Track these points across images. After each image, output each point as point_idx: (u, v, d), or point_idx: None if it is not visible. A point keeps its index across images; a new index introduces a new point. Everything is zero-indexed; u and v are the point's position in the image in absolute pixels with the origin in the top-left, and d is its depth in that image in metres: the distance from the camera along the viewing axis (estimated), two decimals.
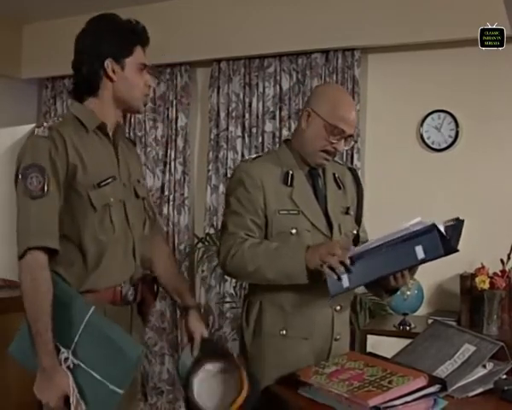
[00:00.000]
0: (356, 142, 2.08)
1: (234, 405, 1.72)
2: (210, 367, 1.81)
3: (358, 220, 2.12)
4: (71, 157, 1.71)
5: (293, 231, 1.93)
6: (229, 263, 1.91)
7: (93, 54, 1.79)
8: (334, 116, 1.93)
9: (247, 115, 3.94)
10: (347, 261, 1.75)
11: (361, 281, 1.84)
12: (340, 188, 2.07)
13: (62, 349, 1.64)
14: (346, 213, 2.06)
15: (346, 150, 3.60)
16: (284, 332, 1.95)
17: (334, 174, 2.08)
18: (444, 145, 3.51)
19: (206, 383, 1.80)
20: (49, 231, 1.66)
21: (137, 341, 1.88)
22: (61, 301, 1.65)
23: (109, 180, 1.79)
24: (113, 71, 1.80)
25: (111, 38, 1.79)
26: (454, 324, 2.83)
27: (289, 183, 1.96)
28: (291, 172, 1.98)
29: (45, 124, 1.74)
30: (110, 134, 1.86)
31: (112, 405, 1.62)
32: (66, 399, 1.61)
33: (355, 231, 2.09)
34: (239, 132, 3.96)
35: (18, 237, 1.65)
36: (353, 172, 2.18)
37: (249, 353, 1.99)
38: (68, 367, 1.63)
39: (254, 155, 2.10)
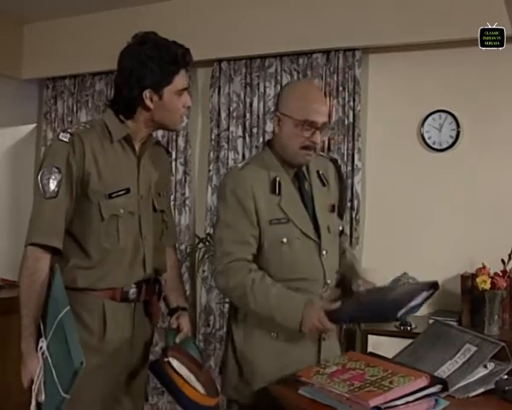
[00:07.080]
0: (334, 129, 2.08)
1: (213, 399, 1.85)
2: (174, 363, 1.86)
3: (340, 214, 2.12)
4: (87, 164, 1.77)
5: (285, 239, 1.93)
6: (230, 293, 1.94)
7: (133, 80, 1.80)
8: (300, 111, 1.91)
9: (247, 115, 3.94)
10: (333, 328, 1.86)
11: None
12: (324, 185, 2.07)
13: (42, 338, 1.70)
14: (332, 210, 2.07)
15: (347, 151, 3.61)
16: (275, 335, 1.94)
17: (318, 172, 2.07)
18: (445, 145, 3.50)
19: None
20: (54, 231, 1.74)
21: (141, 339, 1.93)
22: (52, 294, 1.70)
23: (122, 192, 1.83)
24: (151, 99, 1.81)
25: (153, 68, 1.79)
26: (455, 324, 2.82)
27: (277, 191, 1.95)
28: (278, 178, 1.96)
29: (70, 129, 1.80)
30: (137, 147, 1.89)
31: (58, 406, 1.59)
32: None
33: (340, 228, 2.12)
34: (240, 132, 3.95)
35: (28, 229, 1.74)
36: (335, 163, 2.18)
37: (239, 353, 1.98)
38: (42, 355, 1.68)
39: (243, 163, 2.06)
